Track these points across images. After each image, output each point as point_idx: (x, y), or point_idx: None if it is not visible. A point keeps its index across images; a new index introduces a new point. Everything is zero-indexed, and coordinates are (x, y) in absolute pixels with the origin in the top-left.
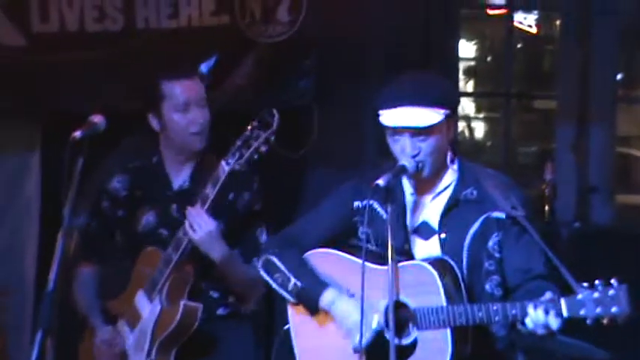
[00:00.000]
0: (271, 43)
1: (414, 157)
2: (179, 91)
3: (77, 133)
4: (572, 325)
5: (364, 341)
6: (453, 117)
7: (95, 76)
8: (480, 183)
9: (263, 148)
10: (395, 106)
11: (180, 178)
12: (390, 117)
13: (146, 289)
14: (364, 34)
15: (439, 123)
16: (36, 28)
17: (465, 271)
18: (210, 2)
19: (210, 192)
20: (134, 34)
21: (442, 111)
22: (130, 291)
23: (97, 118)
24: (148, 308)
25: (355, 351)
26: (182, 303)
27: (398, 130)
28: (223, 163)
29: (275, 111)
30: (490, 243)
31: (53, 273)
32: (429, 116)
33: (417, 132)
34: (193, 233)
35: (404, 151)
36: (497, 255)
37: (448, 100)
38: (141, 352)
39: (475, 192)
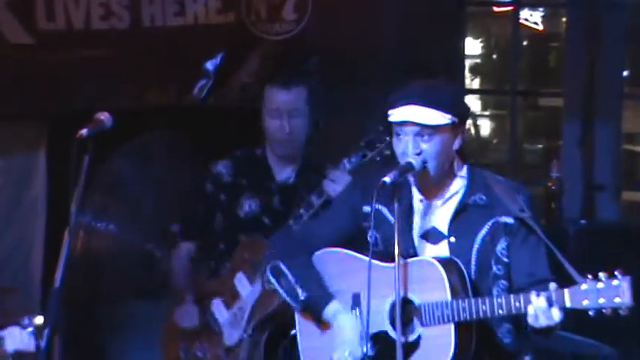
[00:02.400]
0: (277, 40)
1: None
2: (273, 97)
3: (83, 131)
4: (577, 322)
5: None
6: (460, 126)
7: (101, 74)
8: (489, 188)
9: (386, 151)
10: (403, 104)
11: (284, 172)
12: (397, 114)
13: (247, 271)
14: (370, 33)
15: (444, 125)
16: (42, 26)
17: (473, 275)
18: (217, 0)
19: (331, 190)
20: (140, 32)
21: (448, 116)
22: (229, 274)
23: (104, 116)
24: (248, 289)
25: None
26: None
27: (403, 127)
28: (345, 161)
29: None
30: (498, 247)
31: (60, 270)
32: (434, 116)
33: (420, 132)
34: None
35: (406, 150)
36: (505, 259)
37: (456, 107)
38: (237, 328)
39: (484, 197)
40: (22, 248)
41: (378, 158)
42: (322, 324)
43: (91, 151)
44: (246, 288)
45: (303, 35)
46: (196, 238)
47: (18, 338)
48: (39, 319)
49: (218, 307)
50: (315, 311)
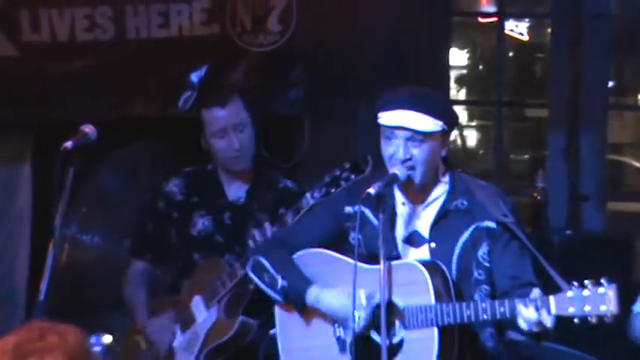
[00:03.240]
0: (262, 52)
1: (403, 162)
2: (214, 119)
3: (68, 143)
4: (560, 332)
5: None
6: (448, 133)
7: (86, 86)
8: (471, 193)
9: None
10: (395, 108)
11: (234, 190)
12: (388, 117)
13: (205, 296)
14: (355, 43)
15: (435, 132)
16: (27, 38)
17: (454, 280)
18: (201, 12)
19: (290, 220)
20: (125, 43)
21: (440, 123)
22: (186, 294)
23: (88, 128)
24: (203, 315)
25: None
26: (240, 318)
27: (395, 131)
28: (308, 195)
29: (369, 157)
30: (480, 252)
31: (45, 282)
32: (427, 122)
33: (412, 137)
34: None
35: (395, 154)
36: (486, 264)
37: (447, 115)
38: (190, 354)
39: (466, 202)
40: (7, 259)
41: None
42: (306, 315)
43: (76, 163)
44: (202, 313)
45: (288, 46)
46: (149, 256)
47: None
48: (107, 338)
49: (175, 329)
50: (297, 299)
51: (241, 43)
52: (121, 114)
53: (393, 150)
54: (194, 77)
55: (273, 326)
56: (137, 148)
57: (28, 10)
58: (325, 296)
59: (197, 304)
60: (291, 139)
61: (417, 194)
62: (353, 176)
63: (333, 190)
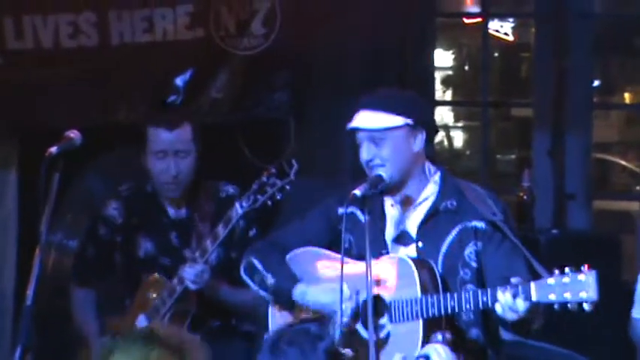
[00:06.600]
0: (246, 56)
1: (368, 162)
2: (158, 139)
3: (53, 149)
4: (551, 331)
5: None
6: (418, 128)
7: (71, 92)
8: (461, 194)
9: (278, 196)
10: (356, 113)
11: (175, 207)
12: (351, 122)
13: (149, 313)
14: (339, 46)
15: (394, 128)
16: (11, 45)
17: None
18: (185, 16)
19: (222, 231)
20: (109, 49)
21: (399, 118)
22: (133, 313)
23: (73, 133)
24: None
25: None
26: None
27: (357, 134)
28: (237, 205)
29: (294, 161)
30: (466, 252)
31: (31, 288)
32: (381, 119)
33: (371, 136)
34: (195, 286)
35: (362, 156)
36: (473, 264)
37: (409, 109)
38: None
39: (455, 202)
40: None
41: (270, 202)
42: (295, 313)
43: (61, 168)
44: None
45: (273, 49)
46: (92, 283)
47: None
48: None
49: None
50: (284, 296)
51: (226, 46)
52: (106, 120)
53: (361, 153)
54: (179, 81)
55: (267, 331)
56: (122, 154)
57: (11, 17)
58: (311, 292)
59: (142, 322)
60: (277, 142)
61: (406, 194)
62: (279, 182)
63: (259, 197)
